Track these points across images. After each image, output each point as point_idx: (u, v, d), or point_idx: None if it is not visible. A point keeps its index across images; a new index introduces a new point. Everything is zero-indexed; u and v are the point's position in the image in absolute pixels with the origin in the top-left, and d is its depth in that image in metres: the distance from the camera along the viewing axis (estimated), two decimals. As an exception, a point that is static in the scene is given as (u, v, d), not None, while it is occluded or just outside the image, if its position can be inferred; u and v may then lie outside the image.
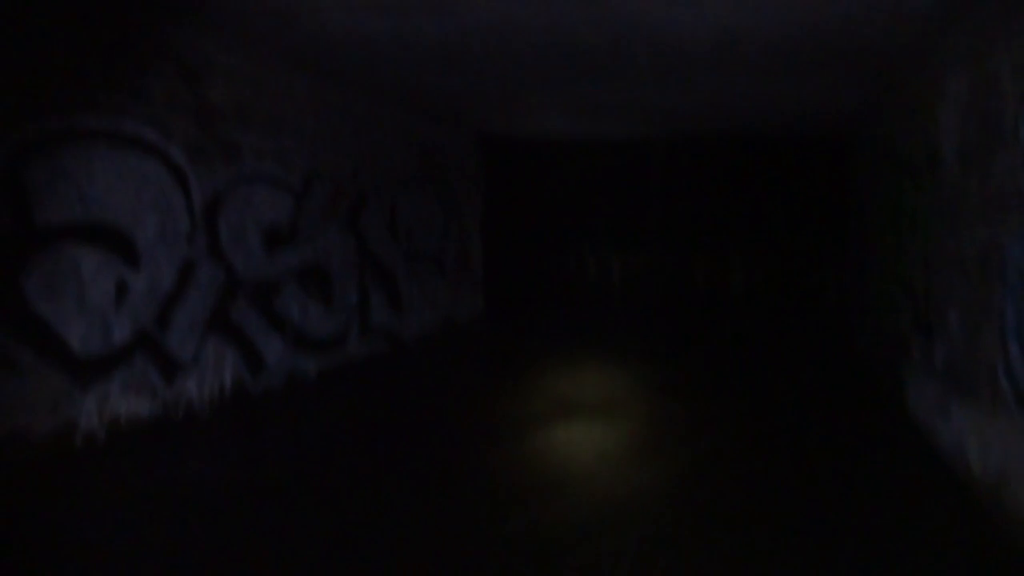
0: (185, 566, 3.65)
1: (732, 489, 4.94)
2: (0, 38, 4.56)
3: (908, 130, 7.58)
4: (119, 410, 5.45)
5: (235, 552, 3.83)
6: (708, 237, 20.91)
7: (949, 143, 5.94)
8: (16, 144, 4.64)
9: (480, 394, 7.78)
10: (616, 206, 22.11)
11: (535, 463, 5.37)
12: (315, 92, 7.75)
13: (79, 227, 5.08)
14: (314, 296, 7.85)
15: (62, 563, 3.69)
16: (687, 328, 12.92)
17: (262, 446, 5.64)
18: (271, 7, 5.43)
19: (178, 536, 4.00)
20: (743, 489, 4.95)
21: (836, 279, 15.42)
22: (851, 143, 12.06)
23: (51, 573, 3.60)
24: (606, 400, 7.32)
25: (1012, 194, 4.39)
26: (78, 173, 5.05)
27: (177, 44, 5.88)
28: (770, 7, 5.27)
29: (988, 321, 4.73)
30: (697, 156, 21.14)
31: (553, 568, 3.68)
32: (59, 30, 4.93)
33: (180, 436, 5.75)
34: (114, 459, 5.14)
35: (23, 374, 4.74)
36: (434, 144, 11.07)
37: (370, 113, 9.00)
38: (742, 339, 11.59)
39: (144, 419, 5.70)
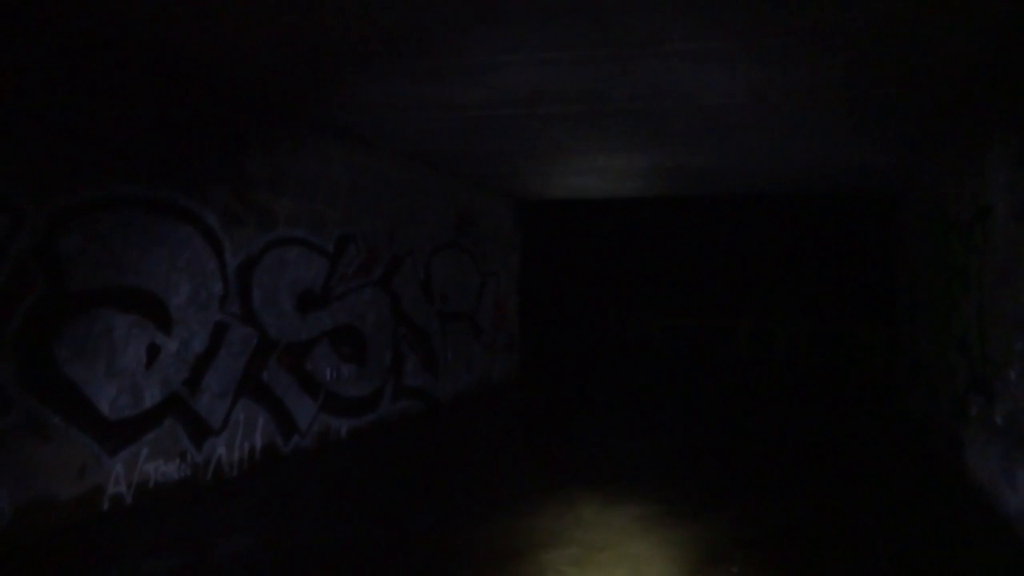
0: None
1: None
2: (40, 106, 4.67)
3: (956, 186, 7.36)
4: (148, 473, 5.38)
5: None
6: (752, 299, 20.56)
7: (1000, 196, 5.71)
8: (53, 211, 4.71)
9: (506, 459, 7.56)
10: (656, 267, 21.92)
11: (541, 533, 5.13)
12: (350, 157, 7.85)
13: (112, 291, 5.11)
14: (347, 357, 7.79)
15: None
16: (727, 393, 12.54)
17: (290, 510, 5.50)
18: (308, 79, 5.53)
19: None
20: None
21: (886, 340, 14.91)
22: (899, 200, 11.80)
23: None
24: (632, 472, 7.05)
25: (1070, 246, 4.16)
26: (112, 237, 5.11)
27: (217, 116, 6.00)
28: (802, 66, 5.18)
29: (1052, 381, 4.43)
30: (740, 215, 20.97)
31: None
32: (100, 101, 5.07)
33: (209, 499, 5.64)
34: (141, 523, 5.05)
35: (52, 439, 4.71)
36: (470, 206, 11.12)
37: (406, 177, 9.08)
38: (786, 405, 11.18)
39: (173, 482, 5.62)
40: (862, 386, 13.30)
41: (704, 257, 21.72)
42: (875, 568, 4.55)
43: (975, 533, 5.30)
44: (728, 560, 4.64)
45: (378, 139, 7.89)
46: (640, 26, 4.48)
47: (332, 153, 7.56)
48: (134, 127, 5.28)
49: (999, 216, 5.74)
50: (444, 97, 6.09)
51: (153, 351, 5.40)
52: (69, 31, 4.64)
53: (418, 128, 7.33)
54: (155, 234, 5.42)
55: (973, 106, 6.17)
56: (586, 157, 9.01)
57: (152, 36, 4.73)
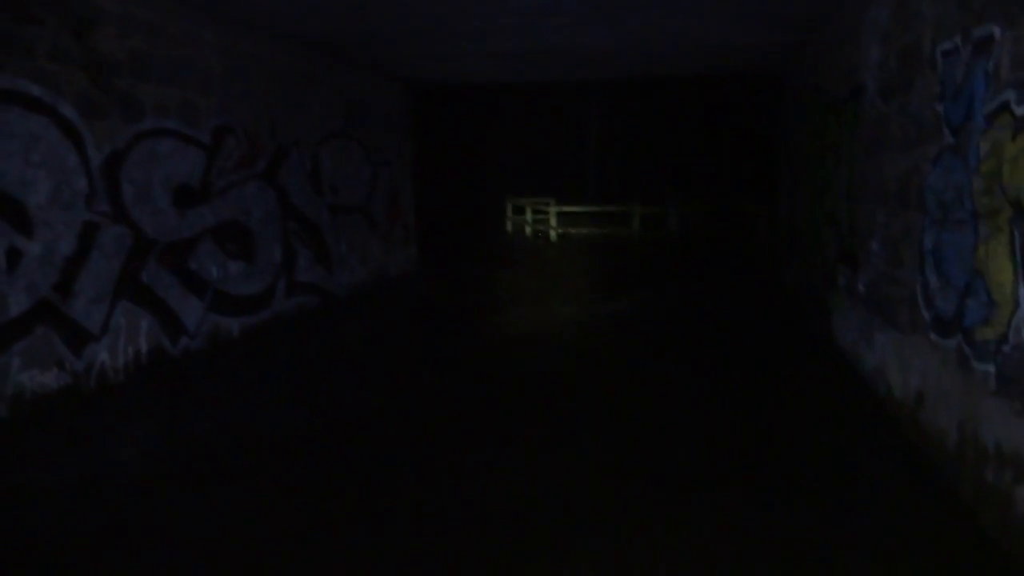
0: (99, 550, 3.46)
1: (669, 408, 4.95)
2: None
3: (833, 64, 7.57)
4: (23, 384, 5.13)
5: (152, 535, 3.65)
6: (645, 180, 20.93)
7: (871, 76, 5.92)
8: None
9: (407, 347, 7.64)
10: (552, 153, 21.90)
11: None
12: (224, 40, 7.30)
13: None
14: (233, 254, 7.53)
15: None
16: (622, 272, 12.94)
17: (178, 412, 5.41)
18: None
19: (92, 517, 3.79)
20: (681, 412, 4.96)
21: (769, 217, 15.60)
22: (783, 81, 12.08)
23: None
24: (548, 335, 7.28)
25: (929, 121, 4.38)
26: (-47, 131, 4.63)
27: (60, -12, 5.41)
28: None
29: (908, 249, 4.77)
30: (632, 100, 21.01)
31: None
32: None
33: (93, 408, 5.47)
34: (21, 436, 4.86)
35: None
36: (358, 93, 10.66)
37: (286, 62, 8.56)
38: (676, 280, 11.66)
39: (53, 392, 5.38)
40: (746, 261, 13.99)
41: (600, 143, 21.82)
42: (741, 411, 4.93)
43: (835, 387, 5.79)
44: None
45: (253, 20, 7.35)
46: None
47: (202, 35, 7.01)
48: (-38, 6, 4.70)
49: (869, 93, 5.97)
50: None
51: (13, 255, 5.03)
52: None
53: (296, 7, 6.86)
54: (1, 126, 4.95)
55: (849, -17, 6.28)
56: (476, 39, 8.72)
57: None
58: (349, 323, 8.74)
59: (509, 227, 19.53)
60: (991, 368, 3.37)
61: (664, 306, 9.40)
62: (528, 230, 19.33)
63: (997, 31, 3.38)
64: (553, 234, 18.65)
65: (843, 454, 4.47)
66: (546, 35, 8.51)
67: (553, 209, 18.71)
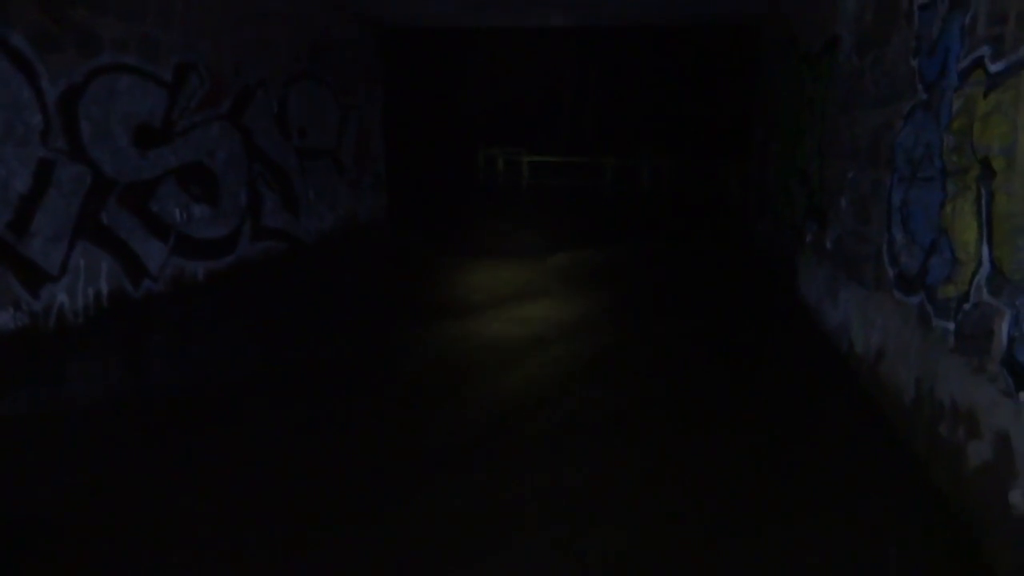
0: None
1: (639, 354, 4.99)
2: None
3: (809, 17, 7.49)
4: (-23, 325, 4.99)
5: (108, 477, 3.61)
6: (618, 132, 20.79)
7: (847, 29, 5.87)
8: None
9: (372, 295, 7.58)
10: (525, 102, 21.61)
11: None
12: (185, -29, 7.00)
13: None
14: (197, 197, 7.34)
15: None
16: (593, 224, 12.92)
17: (139, 355, 5.33)
18: None
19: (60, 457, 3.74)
20: (648, 361, 5.01)
21: (740, 171, 15.61)
22: (758, 35, 11.96)
23: None
24: (516, 291, 7.26)
25: (904, 77, 4.36)
26: None
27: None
28: None
29: (876, 206, 4.79)
30: (607, 49, 20.74)
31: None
32: None
33: (51, 349, 5.35)
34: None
35: None
36: (327, 33, 10.35)
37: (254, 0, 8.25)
38: (646, 235, 11.67)
39: (10, 332, 5.24)
40: (718, 217, 14.04)
41: (574, 93, 21.55)
42: (703, 365, 5.00)
43: (799, 343, 5.88)
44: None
45: (214, -48, 7.05)
46: None
47: (162, -34, 6.71)
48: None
49: (844, 47, 5.93)
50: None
51: (-36, 192, 4.84)
52: None
53: (259, -60, 6.58)
54: (-52, 57, 4.71)
55: (831, -66, 6.18)
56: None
57: None
58: (316, 269, 8.65)
59: (480, 176, 19.35)
60: (951, 326, 3.42)
61: (633, 261, 9.42)
62: (500, 180, 19.16)
63: (976, -14, 3.34)
64: (525, 184, 18.52)
65: (800, 408, 4.56)
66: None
67: (525, 159, 18.55)
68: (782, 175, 8.72)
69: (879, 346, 4.56)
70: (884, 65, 4.79)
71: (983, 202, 3.15)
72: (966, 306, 3.26)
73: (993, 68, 3.13)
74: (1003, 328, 2.91)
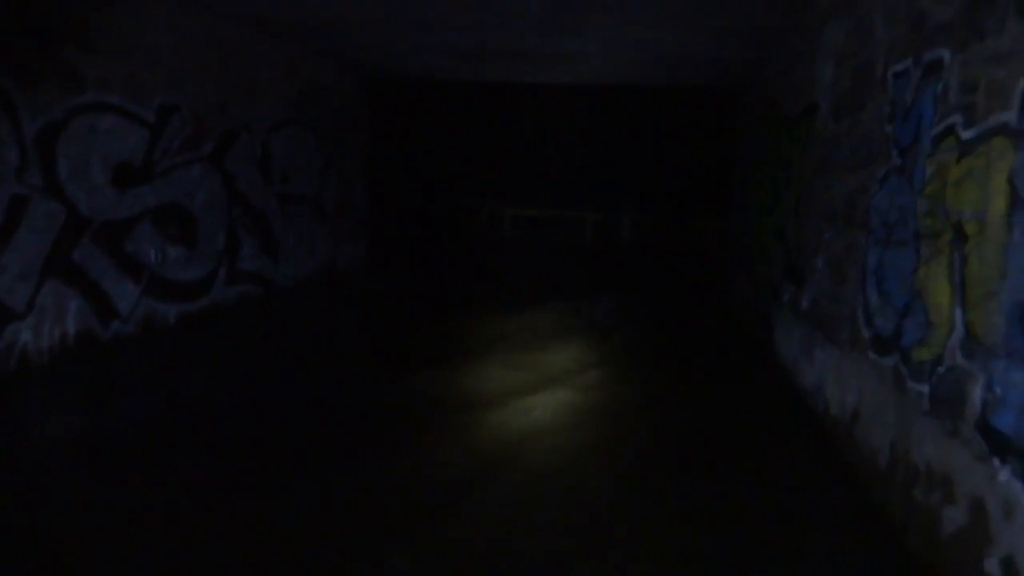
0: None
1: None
2: None
3: (788, 82, 7.67)
4: (-64, 362, 4.85)
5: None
6: (600, 188, 21.02)
7: (824, 95, 6.00)
8: None
9: (347, 343, 7.49)
10: (509, 155, 21.85)
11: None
12: (174, 15, 7.06)
13: None
14: (174, 238, 7.27)
15: None
16: (573, 279, 12.96)
17: (100, 398, 5.19)
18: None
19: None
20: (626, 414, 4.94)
21: (721, 232, 15.80)
22: (740, 96, 12.24)
23: None
24: (487, 345, 7.20)
25: (879, 142, 4.44)
26: None
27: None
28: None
29: (851, 267, 4.82)
30: (592, 106, 21.08)
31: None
32: None
33: (10, 390, 5.20)
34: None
35: None
36: (314, 80, 10.44)
37: (240, 42, 8.32)
38: (626, 290, 11.71)
39: (-31, 372, 5.10)
40: (696, 275, 14.14)
41: (557, 148, 21.86)
42: (676, 424, 4.93)
43: (774, 402, 5.85)
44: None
45: (205, -3, 7.13)
46: None
47: (152, 8, 6.76)
48: None
49: (822, 113, 6.05)
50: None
51: (-67, 226, 4.76)
52: None
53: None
54: (-74, 90, 4.68)
55: None
56: (437, 33, 8.61)
57: None
58: (290, 315, 8.55)
59: (463, 227, 19.42)
60: (925, 388, 3.41)
61: (614, 314, 9.42)
62: (483, 231, 19.24)
63: (947, 55, 3.42)
64: (507, 236, 18.61)
65: (775, 470, 4.50)
66: (499, 34, 8.44)
67: (508, 212, 18.68)
68: (760, 234, 8.82)
69: (854, 407, 4.53)
70: (860, 130, 4.88)
71: (956, 266, 3.17)
72: (940, 369, 3.25)
73: (965, 135, 3.18)
74: (976, 392, 2.90)
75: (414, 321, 8.52)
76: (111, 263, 6.42)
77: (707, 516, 3.75)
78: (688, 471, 4.37)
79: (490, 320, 8.60)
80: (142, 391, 5.36)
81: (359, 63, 11.26)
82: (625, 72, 11.12)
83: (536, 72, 11.58)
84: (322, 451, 4.38)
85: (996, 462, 2.70)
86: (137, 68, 6.60)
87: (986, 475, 2.77)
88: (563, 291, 11.18)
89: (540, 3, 6.78)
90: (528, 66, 10.82)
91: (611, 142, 21.24)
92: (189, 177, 7.48)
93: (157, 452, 4.26)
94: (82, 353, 6.08)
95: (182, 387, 5.52)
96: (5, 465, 3.96)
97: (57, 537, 3.25)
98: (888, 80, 4.31)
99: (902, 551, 3.43)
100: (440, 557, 3.20)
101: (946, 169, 3.33)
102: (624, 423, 5.18)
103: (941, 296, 3.28)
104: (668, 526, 3.60)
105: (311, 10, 7.57)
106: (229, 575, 3.03)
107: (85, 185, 6.07)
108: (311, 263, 10.50)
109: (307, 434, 4.66)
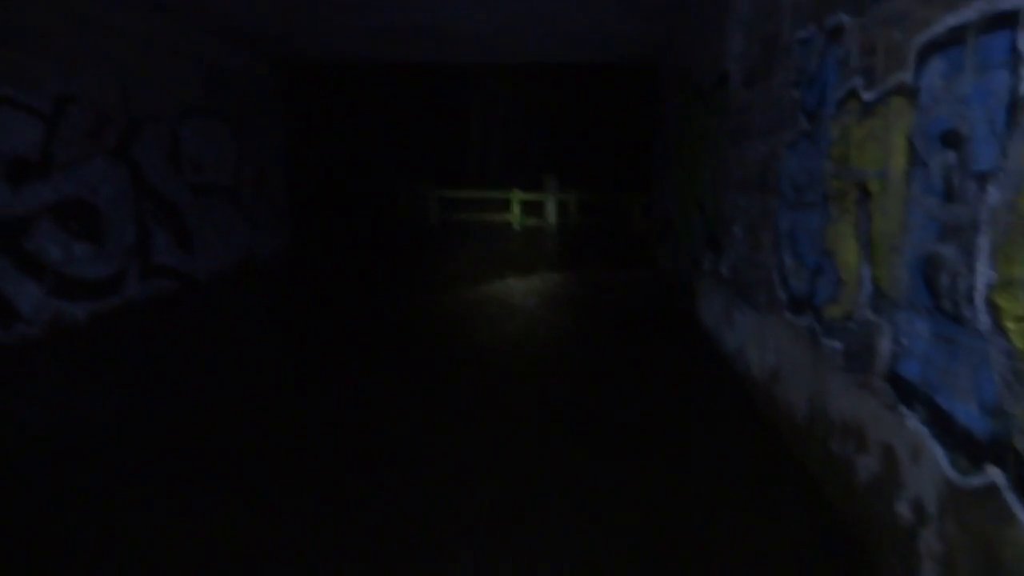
0: None
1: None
2: None
3: (701, 54, 7.78)
4: None
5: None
6: (526, 167, 21.07)
7: (735, 64, 6.10)
8: None
9: (266, 337, 7.30)
10: (433, 138, 21.63)
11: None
12: (66, 1, 6.69)
13: None
14: (78, 234, 6.94)
15: None
16: (501, 258, 12.94)
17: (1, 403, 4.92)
18: None
19: None
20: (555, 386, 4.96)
21: (643, 204, 16.05)
22: (657, 71, 12.38)
23: None
24: (425, 320, 7.12)
25: (787, 109, 4.53)
26: None
27: None
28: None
29: (766, 232, 4.94)
30: (515, 86, 21.08)
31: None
32: None
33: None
34: None
35: None
36: (224, 65, 10.08)
37: (140, 28, 7.96)
38: (554, 266, 11.76)
39: None
40: (622, 248, 14.32)
41: (482, 129, 21.75)
42: (602, 389, 4.99)
43: (698, 366, 5.97)
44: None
45: (97, -21, 6.78)
46: None
47: (38, -7, 6.40)
48: None
49: (733, 81, 6.16)
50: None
51: None
52: None
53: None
54: None
55: (716, -26, 6.45)
56: (351, 15, 8.41)
57: None
58: (209, 309, 8.27)
59: (389, 211, 19.17)
60: (838, 344, 3.52)
61: (542, 290, 9.44)
62: (409, 214, 19.03)
63: (847, 19, 3.51)
64: (434, 218, 18.46)
65: (699, 431, 4.59)
66: (413, 11, 8.30)
67: (434, 194, 18.52)
68: (681, 205, 8.96)
69: (773, 367, 4.66)
70: (769, 97, 4.98)
71: (862, 224, 3.26)
72: (851, 325, 3.36)
73: (866, 97, 3.27)
74: (884, 344, 3.00)
75: (335, 308, 8.36)
76: (9, 263, 6.09)
77: (628, 479, 3.80)
78: (614, 428, 4.42)
79: (421, 301, 8.52)
80: (44, 397, 5.10)
81: (270, 48, 10.92)
82: (542, 50, 11.11)
83: (457, 52, 11.46)
84: (236, 459, 4.25)
85: (904, 409, 2.81)
86: (27, 58, 6.24)
87: (895, 422, 2.88)
88: (489, 270, 11.15)
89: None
90: (448, 46, 10.69)
91: (539, 121, 21.27)
92: (92, 170, 7.14)
93: (55, 462, 4.06)
94: (-17, 360, 5.77)
95: (89, 390, 5.27)
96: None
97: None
98: (794, 47, 4.40)
99: (821, 501, 3.55)
100: None
101: (850, 131, 3.42)
102: (551, 382, 5.21)
103: (849, 254, 3.39)
104: (585, 497, 3.63)
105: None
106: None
107: (-25, 182, 5.73)
108: (230, 255, 10.20)
109: (213, 442, 4.51)
